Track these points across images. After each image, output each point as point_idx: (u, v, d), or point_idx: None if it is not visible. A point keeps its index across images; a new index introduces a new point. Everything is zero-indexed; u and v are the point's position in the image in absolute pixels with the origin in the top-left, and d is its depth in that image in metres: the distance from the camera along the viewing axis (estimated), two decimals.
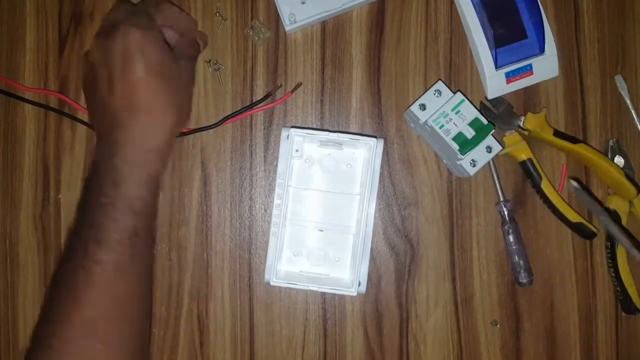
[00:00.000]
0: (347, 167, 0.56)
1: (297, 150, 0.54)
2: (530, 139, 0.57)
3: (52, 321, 0.42)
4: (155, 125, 0.45)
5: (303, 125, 0.57)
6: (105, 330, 0.42)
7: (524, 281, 0.56)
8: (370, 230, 0.53)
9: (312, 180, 0.56)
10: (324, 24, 0.58)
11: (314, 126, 0.58)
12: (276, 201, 0.54)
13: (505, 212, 0.56)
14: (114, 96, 0.45)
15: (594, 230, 0.56)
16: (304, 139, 0.54)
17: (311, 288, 0.53)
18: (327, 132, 0.53)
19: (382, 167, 0.55)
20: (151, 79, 0.45)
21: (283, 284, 0.53)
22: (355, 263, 0.53)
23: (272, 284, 0.53)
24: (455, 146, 0.52)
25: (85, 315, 0.42)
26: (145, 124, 0.45)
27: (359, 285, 0.53)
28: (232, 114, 0.57)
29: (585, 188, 0.52)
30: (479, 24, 0.56)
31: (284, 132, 0.54)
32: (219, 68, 0.57)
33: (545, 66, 0.56)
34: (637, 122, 0.58)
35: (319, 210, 0.56)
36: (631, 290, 0.56)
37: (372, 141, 0.53)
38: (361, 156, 0.56)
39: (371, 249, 0.55)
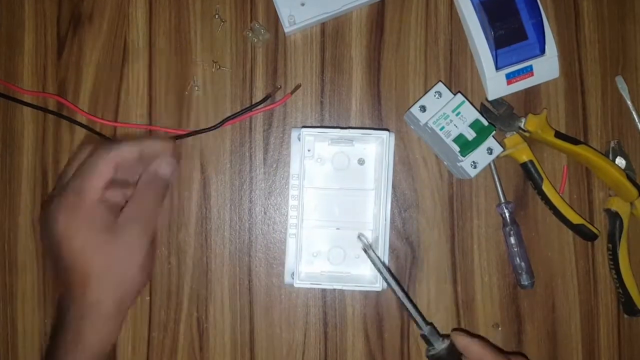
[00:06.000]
0: (359, 164, 0.55)
1: (309, 150, 0.54)
2: (531, 141, 0.57)
3: None
4: (92, 309, 0.42)
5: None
6: None
7: (526, 283, 0.56)
8: (388, 224, 0.53)
9: (324, 179, 0.56)
10: (323, 25, 0.58)
11: None
12: (291, 202, 0.54)
13: (507, 214, 0.56)
14: (58, 279, 0.43)
15: (595, 231, 0.56)
16: (315, 138, 0.54)
17: (335, 287, 0.53)
18: (338, 129, 0.53)
19: None
20: (81, 263, 0.42)
21: (307, 285, 0.53)
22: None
23: (296, 285, 0.53)
24: (456, 148, 0.52)
25: None
26: (82, 308, 0.42)
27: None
28: (232, 116, 0.57)
29: (371, 246, 0.51)
30: (479, 25, 0.56)
31: (294, 133, 0.54)
32: (219, 68, 0.57)
33: (546, 67, 0.56)
34: (638, 123, 0.58)
35: (334, 209, 0.56)
36: (633, 292, 0.56)
37: (384, 134, 0.53)
38: (372, 151, 0.55)
39: None
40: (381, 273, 0.51)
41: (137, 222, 0.44)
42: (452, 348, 0.50)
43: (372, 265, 0.52)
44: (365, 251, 0.51)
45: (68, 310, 0.42)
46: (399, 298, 0.51)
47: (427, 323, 0.51)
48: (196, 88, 0.57)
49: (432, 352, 0.50)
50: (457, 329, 0.55)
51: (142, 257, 0.44)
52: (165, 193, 0.47)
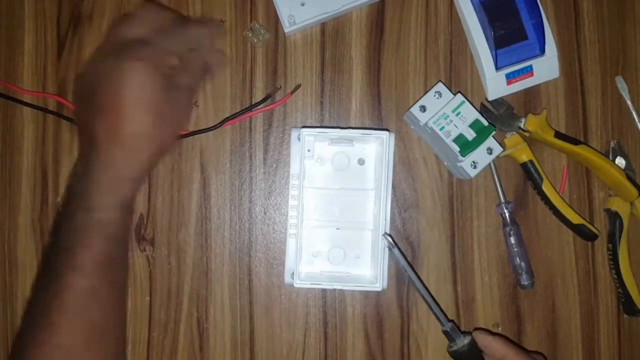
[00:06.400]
0: (359, 164, 0.55)
1: (309, 150, 0.54)
2: (531, 141, 0.57)
3: (28, 347, 0.41)
4: (133, 158, 0.44)
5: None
6: (81, 357, 0.41)
7: (526, 283, 0.56)
8: (389, 224, 0.53)
9: (324, 179, 0.56)
10: (323, 25, 0.58)
11: None
12: (291, 202, 0.54)
13: (507, 214, 0.56)
14: (98, 121, 0.43)
15: (595, 231, 0.56)
16: (315, 138, 0.54)
17: (335, 287, 0.53)
18: (338, 129, 0.53)
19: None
20: (138, 113, 0.43)
21: (307, 285, 0.53)
22: (377, 259, 0.53)
23: (296, 285, 0.53)
24: (456, 148, 0.52)
25: (61, 342, 0.41)
26: (122, 156, 0.43)
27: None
28: (232, 116, 0.57)
29: (397, 244, 0.53)
30: (479, 25, 0.56)
31: (294, 133, 0.54)
32: None
33: (546, 67, 0.56)
34: (638, 123, 0.58)
35: (334, 209, 0.56)
36: (633, 292, 0.56)
37: (384, 134, 0.53)
38: (372, 151, 0.55)
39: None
40: (405, 271, 0.53)
41: (187, 90, 0.47)
42: (473, 345, 0.52)
43: (376, 264, 0.52)
44: (390, 249, 0.52)
45: (95, 148, 0.43)
46: (422, 296, 0.53)
47: (449, 320, 0.53)
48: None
49: (454, 348, 0.52)
50: (479, 329, 0.56)
51: (184, 122, 0.50)
52: (205, 77, 0.50)
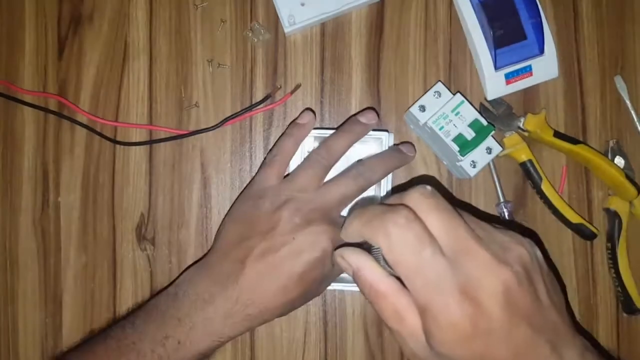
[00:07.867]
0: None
1: (309, 151, 0.54)
2: (530, 140, 0.57)
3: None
4: (247, 314, 0.44)
5: None
6: None
7: None
8: None
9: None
10: (323, 25, 0.58)
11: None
12: None
13: (506, 213, 0.56)
14: (251, 261, 0.45)
15: (595, 231, 0.56)
16: (314, 139, 0.54)
17: (335, 287, 0.53)
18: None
19: None
20: (287, 281, 0.44)
21: None
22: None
23: None
24: (455, 147, 0.52)
25: None
26: (242, 308, 0.44)
27: None
28: (232, 115, 0.57)
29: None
30: (478, 25, 0.56)
31: None
32: (218, 66, 0.57)
33: (545, 67, 0.56)
34: (637, 123, 0.58)
35: None
36: (632, 291, 0.56)
37: (383, 135, 0.53)
38: (372, 151, 0.55)
39: None
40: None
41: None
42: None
43: None
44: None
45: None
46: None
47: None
48: (195, 87, 0.58)
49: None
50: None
51: (310, 298, 0.50)
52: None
